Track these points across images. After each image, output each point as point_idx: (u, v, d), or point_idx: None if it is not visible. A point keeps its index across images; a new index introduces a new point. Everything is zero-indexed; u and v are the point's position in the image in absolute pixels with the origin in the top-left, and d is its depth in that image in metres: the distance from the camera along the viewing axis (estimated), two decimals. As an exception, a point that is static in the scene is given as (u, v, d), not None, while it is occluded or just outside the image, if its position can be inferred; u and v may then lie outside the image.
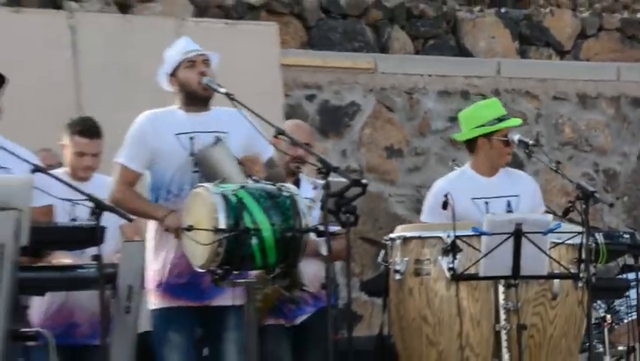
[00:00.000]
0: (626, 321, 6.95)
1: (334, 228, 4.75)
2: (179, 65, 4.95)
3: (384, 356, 6.22)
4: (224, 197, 4.49)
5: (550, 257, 5.06)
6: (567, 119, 9.58)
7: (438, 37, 9.78)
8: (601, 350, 6.72)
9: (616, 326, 7.05)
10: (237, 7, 9.38)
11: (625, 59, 10.07)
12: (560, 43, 10.02)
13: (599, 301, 6.79)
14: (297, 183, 5.36)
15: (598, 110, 9.67)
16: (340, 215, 4.63)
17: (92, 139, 5.29)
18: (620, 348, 6.94)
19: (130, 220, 4.70)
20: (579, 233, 5.17)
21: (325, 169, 4.66)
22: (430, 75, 9.33)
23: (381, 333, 6.36)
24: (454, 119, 5.75)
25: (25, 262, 4.40)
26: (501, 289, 5.08)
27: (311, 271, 5.15)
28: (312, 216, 4.73)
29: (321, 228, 4.61)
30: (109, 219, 4.55)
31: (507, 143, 5.54)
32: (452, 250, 5.04)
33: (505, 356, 5.06)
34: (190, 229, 4.51)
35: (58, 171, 5.19)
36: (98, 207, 4.36)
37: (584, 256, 5.18)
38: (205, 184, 4.60)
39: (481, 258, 4.95)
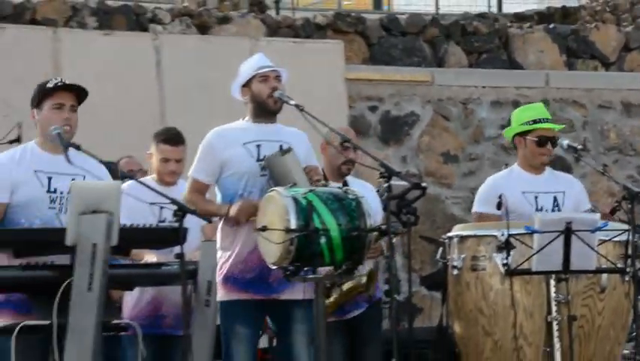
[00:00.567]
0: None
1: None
2: (253, 78, 4.95)
3: (444, 345, 6.18)
4: (295, 200, 4.48)
5: (599, 253, 4.98)
6: (612, 126, 9.50)
7: (490, 51, 9.74)
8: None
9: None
10: (306, 26, 9.42)
11: (666, 70, 9.97)
12: (605, 55, 9.93)
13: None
14: (344, 185, 5.36)
15: (641, 117, 9.59)
16: (401, 216, 4.60)
17: (175, 146, 5.33)
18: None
19: (210, 221, 4.72)
20: (625, 231, 5.09)
21: (388, 173, 4.64)
22: (483, 87, 9.32)
23: (441, 324, 6.32)
24: (505, 127, 5.69)
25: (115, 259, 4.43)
26: (552, 282, 5.01)
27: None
28: None
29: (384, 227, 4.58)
30: (191, 221, 4.56)
31: (540, 143, 5.47)
32: (506, 247, 4.99)
33: (557, 345, 4.99)
34: (264, 229, 4.51)
35: (146, 179, 5.25)
36: (181, 210, 4.38)
37: (630, 251, 5.10)
38: (277, 188, 4.60)
39: (534, 254, 4.88)
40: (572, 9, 11.02)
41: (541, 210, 5.40)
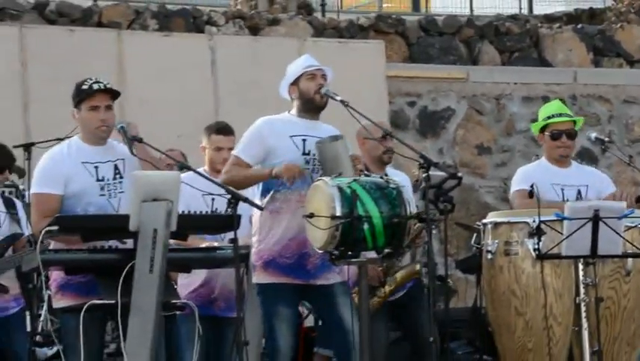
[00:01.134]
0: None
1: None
2: (301, 76, 4.92)
3: (478, 324, 6.13)
4: (340, 189, 4.46)
5: (625, 239, 4.91)
6: (637, 120, 9.41)
7: (522, 50, 9.69)
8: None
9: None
10: (349, 28, 9.40)
11: (688, 66, 9.84)
12: (629, 53, 9.85)
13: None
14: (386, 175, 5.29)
15: (664, 111, 9.49)
16: (439, 204, 4.56)
17: (226, 135, 5.33)
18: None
19: (261, 209, 4.70)
20: (650, 218, 5.02)
21: (426, 164, 4.60)
22: (515, 83, 9.28)
23: (475, 305, 6.27)
24: (536, 121, 5.64)
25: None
26: (580, 266, 4.96)
27: None
28: None
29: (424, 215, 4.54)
30: (243, 208, 4.55)
31: (553, 137, 5.41)
32: (537, 233, 4.94)
33: (585, 324, 4.94)
34: (311, 216, 4.49)
35: (200, 170, 5.23)
36: (234, 198, 4.37)
37: (654, 237, 5.04)
38: (324, 178, 4.57)
39: (563, 240, 4.83)
40: (599, 10, 10.92)
41: (566, 202, 5.33)
